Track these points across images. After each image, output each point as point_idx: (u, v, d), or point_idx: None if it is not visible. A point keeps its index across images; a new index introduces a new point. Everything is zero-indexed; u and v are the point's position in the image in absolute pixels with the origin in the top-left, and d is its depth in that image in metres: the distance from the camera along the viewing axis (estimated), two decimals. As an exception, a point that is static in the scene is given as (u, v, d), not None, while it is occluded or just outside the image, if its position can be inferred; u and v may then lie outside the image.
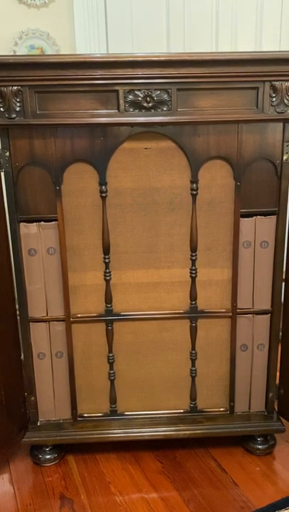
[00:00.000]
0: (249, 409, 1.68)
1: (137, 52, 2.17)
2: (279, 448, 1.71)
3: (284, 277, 1.57)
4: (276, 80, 1.35)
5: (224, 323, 1.59)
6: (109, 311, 1.57)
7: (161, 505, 1.49)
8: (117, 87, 1.34)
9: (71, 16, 2.16)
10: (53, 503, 1.51)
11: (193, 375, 1.63)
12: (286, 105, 1.37)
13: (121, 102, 1.35)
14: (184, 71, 1.33)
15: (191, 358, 1.62)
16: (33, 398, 1.62)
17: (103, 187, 1.45)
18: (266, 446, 1.68)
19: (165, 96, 1.35)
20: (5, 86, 1.32)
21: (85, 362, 1.61)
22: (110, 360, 1.61)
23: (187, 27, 2.27)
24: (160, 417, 1.66)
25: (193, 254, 1.52)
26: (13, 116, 1.35)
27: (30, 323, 1.56)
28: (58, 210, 1.46)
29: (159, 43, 2.28)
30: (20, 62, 1.31)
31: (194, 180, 1.46)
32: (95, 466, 1.65)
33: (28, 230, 1.48)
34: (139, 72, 1.32)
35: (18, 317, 1.56)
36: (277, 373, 1.66)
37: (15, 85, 1.33)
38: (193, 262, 1.53)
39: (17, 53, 2.09)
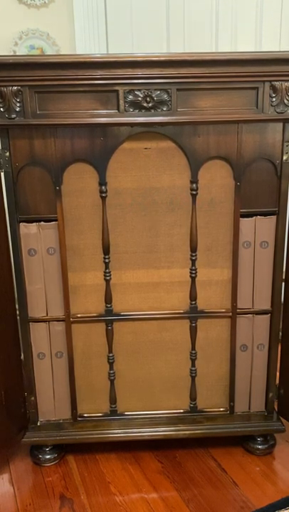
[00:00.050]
0: (249, 409, 1.68)
1: (137, 52, 2.18)
2: (279, 448, 1.71)
3: (284, 277, 1.57)
4: (276, 80, 1.35)
5: (224, 323, 1.59)
6: (109, 311, 1.57)
7: (161, 505, 1.49)
8: (117, 87, 1.34)
9: (71, 16, 2.16)
10: (53, 503, 1.51)
11: (193, 375, 1.63)
12: (286, 105, 1.37)
13: (121, 102, 1.35)
14: (183, 71, 1.33)
15: (191, 358, 1.62)
16: (33, 398, 1.62)
17: (103, 187, 1.45)
18: (266, 446, 1.68)
19: (165, 96, 1.35)
20: (5, 86, 1.32)
21: (85, 362, 1.61)
22: (110, 360, 1.61)
23: (187, 27, 2.27)
24: (160, 417, 1.66)
25: (193, 254, 1.52)
26: (13, 116, 1.35)
27: (30, 323, 1.56)
28: (57, 210, 1.46)
29: (159, 43, 2.28)
30: (20, 63, 1.32)
31: (194, 180, 1.46)
32: (95, 466, 1.65)
33: (28, 230, 1.48)
34: (139, 72, 1.32)
35: (18, 317, 1.56)
36: (277, 373, 1.66)
37: (15, 85, 1.33)
38: (193, 262, 1.53)
39: (17, 53, 2.09)
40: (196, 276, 1.54)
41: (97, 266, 1.53)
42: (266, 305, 1.58)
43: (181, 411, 1.67)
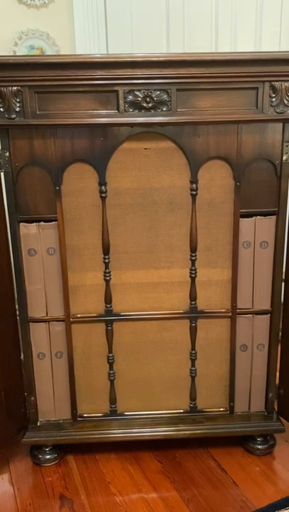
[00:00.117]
0: (249, 409, 1.68)
1: (137, 52, 2.17)
2: (279, 448, 1.71)
3: (284, 277, 1.57)
4: (276, 80, 1.35)
5: (224, 323, 1.59)
6: (109, 311, 1.57)
7: (161, 505, 1.49)
8: (116, 88, 1.34)
9: (71, 16, 2.16)
10: (53, 503, 1.51)
11: (193, 375, 1.63)
12: (286, 105, 1.37)
13: (121, 102, 1.35)
14: (183, 71, 1.33)
15: (190, 358, 1.62)
16: (32, 398, 1.62)
17: (103, 187, 1.45)
18: (266, 446, 1.68)
19: (165, 96, 1.35)
20: (5, 86, 1.32)
21: (84, 362, 1.61)
22: (110, 360, 1.61)
23: (187, 27, 2.27)
24: (160, 417, 1.66)
25: (193, 254, 1.52)
26: (13, 116, 1.35)
27: (30, 323, 1.56)
28: (57, 210, 1.46)
29: (159, 44, 2.28)
30: (20, 63, 1.32)
31: (194, 180, 1.46)
32: (95, 466, 1.65)
33: (27, 230, 1.48)
34: (139, 72, 1.32)
35: (18, 317, 1.56)
36: (277, 373, 1.66)
37: (15, 85, 1.33)
38: (193, 262, 1.53)
39: (17, 53, 2.09)
40: (196, 276, 1.54)
41: (97, 266, 1.53)
42: (266, 305, 1.58)
43: (181, 411, 1.67)
